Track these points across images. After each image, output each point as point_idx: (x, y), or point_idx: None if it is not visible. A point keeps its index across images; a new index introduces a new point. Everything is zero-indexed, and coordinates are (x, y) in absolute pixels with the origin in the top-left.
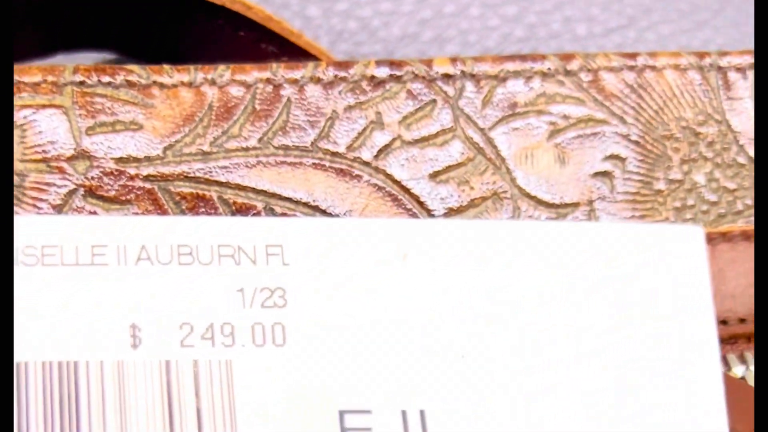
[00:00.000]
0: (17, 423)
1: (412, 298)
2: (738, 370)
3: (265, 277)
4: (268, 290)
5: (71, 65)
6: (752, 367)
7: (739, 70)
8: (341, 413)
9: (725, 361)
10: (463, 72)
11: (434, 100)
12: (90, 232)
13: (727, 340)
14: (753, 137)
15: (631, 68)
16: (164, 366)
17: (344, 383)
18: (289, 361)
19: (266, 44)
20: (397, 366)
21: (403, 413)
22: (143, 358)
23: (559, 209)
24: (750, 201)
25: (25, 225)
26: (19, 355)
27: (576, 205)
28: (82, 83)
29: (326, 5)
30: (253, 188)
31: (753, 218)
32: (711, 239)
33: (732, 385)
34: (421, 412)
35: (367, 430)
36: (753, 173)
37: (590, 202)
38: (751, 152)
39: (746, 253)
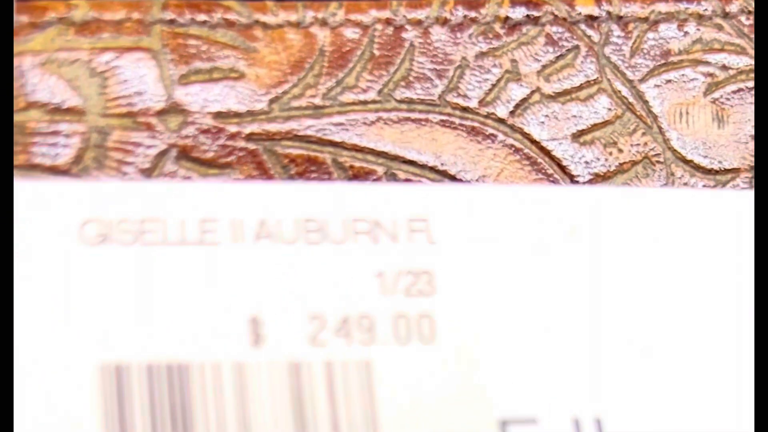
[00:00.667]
0: None
1: (584, 282)
2: None
3: (409, 258)
4: (412, 275)
5: (160, 0)
6: None
7: None
8: (503, 423)
9: None
10: (609, 13)
11: (577, 47)
12: (199, 203)
13: None
14: None
15: None
16: (293, 368)
17: (505, 387)
18: (440, 362)
19: None
20: (568, 365)
21: (576, 422)
22: (267, 358)
23: (718, 176)
24: None
25: (120, 193)
26: (118, 356)
27: (737, 171)
28: (172, 22)
29: None
30: (373, 149)
31: None
32: None
33: None
34: (597, 421)
35: None
36: None
37: (752, 168)
38: None
39: None
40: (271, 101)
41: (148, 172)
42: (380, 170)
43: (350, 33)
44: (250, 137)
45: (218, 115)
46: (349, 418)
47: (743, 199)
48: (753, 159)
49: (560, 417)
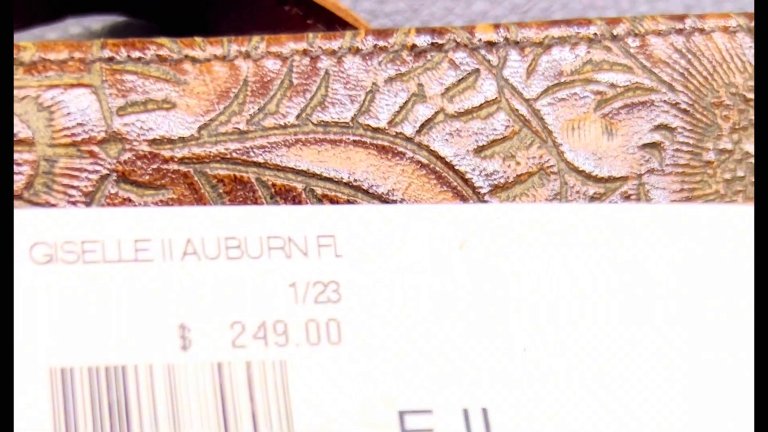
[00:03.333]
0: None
1: (471, 289)
2: None
3: (318, 270)
4: (321, 284)
5: (99, 41)
6: None
7: None
8: (401, 414)
9: None
10: (506, 39)
11: (477, 70)
12: (133, 226)
13: None
14: None
15: (680, 32)
16: (216, 368)
17: (403, 382)
18: (346, 360)
19: (290, 6)
20: (458, 362)
21: (465, 412)
22: (194, 360)
23: (608, 183)
24: None
25: (63, 218)
26: (63, 360)
27: (625, 179)
28: (110, 59)
29: None
30: (293, 168)
31: None
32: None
33: None
34: (484, 410)
35: (428, 431)
36: None
37: (639, 176)
38: None
39: None
40: (200, 128)
41: (91, 195)
42: (300, 187)
43: (271, 64)
44: (182, 161)
45: (153, 141)
46: (267, 411)
47: (620, 212)
48: (640, 167)
49: (452, 407)
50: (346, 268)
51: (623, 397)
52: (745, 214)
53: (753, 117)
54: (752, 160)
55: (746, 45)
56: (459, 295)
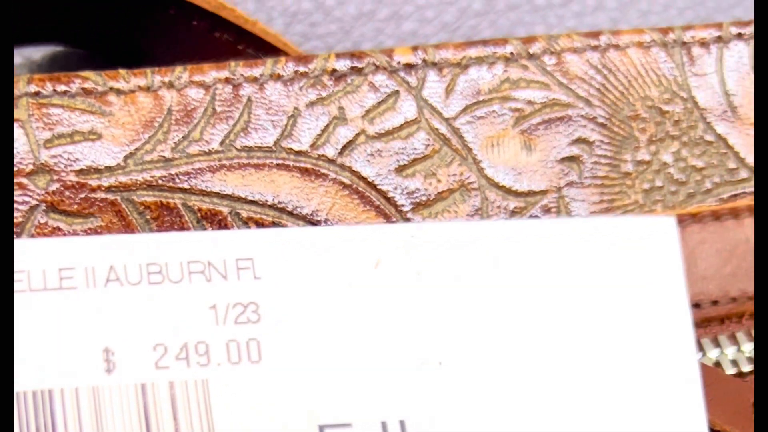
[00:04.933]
0: None
1: (387, 306)
2: (712, 354)
3: (238, 292)
4: (241, 306)
5: (25, 76)
6: (727, 350)
7: (704, 44)
8: (321, 428)
9: (699, 346)
10: (425, 61)
11: (397, 92)
12: (57, 255)
13: (700, 324)
14: (720, 113)
15: (595, 48)
16: (140, 389)
17: (323, 397)
18: (266, 378)
19: (221, 33)
20: (375, 377)
21: (383, 424)
22: (118, 382)
23: (528, 197)
24: (718, 179)
25: None
26: None
27: (544, 192)
28: (37, 94)
29: None
30: (218, 193)
31: (722, 197)
32: (681, 221)
33: (709, 376)
34: (401, 423)
35: None
36: (720, 150)
37: (559, 189)
38: (719, 129)
39: (717, 234)
40: (126, 157)
41: (21, 226)
42: (225, 211)
43: (194, 93)
44: (109, 189)
45: (80, 171)
46: (190, 429)
47: (553, 226)
48: (559, 181)
49: (370, 420)
50: (264, 289)
51: (539, 411)
52: (666, 224)
53: (669, 129)
54: (670, 169)
55: (661, 59)
56: (376, 311)
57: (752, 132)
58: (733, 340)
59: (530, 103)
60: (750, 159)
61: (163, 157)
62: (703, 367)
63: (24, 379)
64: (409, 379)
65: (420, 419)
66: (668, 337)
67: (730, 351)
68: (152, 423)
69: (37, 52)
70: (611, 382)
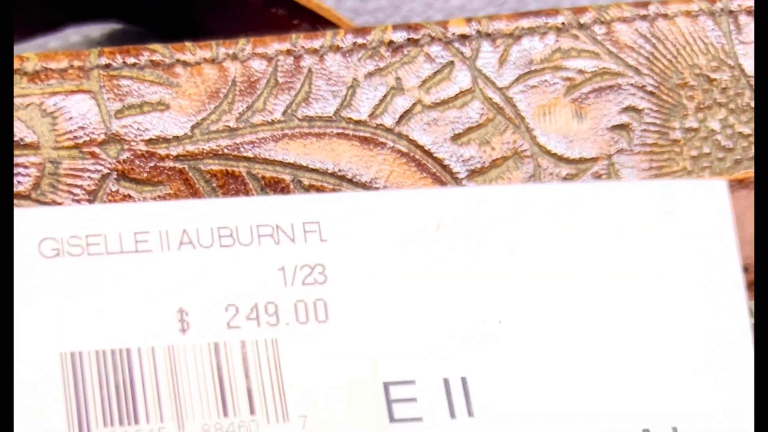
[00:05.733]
0: (77, 412)
1: (448, 267)
2: None
3: (305, 254)
4: (308, 267)
5: (96, 49)
6: None
7: (750, 12)
8: (386, 385)
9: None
10: (478, 32)
11: (452, 62)
12: (133, 220)
13: (747, 287)
14: None
15: (644, 17)
16: (213, 348)
17: (387, 355)
18: (333, 337)
19: (276, 8)
20: (438, 336)
21: (446, 381)
22: (192, 341)
23: (579, 164)
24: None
25: (68, 215)
26: (73, 345)
27: (595, 159)
28: (107, 66)
29: None
30: (281, 161)
31: None
32: (728, 186)
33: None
34: (463, 380)
35: (412, 400)
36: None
37: (609, 156)
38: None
39: None
40: (193, 127)
41: (94, 193)
42: (288, 179)
43: (257, 64)
44: (177, 158)
45: (150, 141)
46: (260, 387)
47: (606, 188)
48: (609, 148)
49: (433, 378)
50: (330, 251)
51: (598, 368)
52: (718, 187)
53: (717, 96)
54: (717, 136)
55: (708, 28)
56: (437, 272)
57: None
58: None
59: (581, 72)
60: None
61: (228, 126)
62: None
63: (104, 339)
64: (470, 338)
65: (481, 376)
66: (721, 300)
67: None
68: (225, 380)
69: (95, 30)
70: (663, 344)
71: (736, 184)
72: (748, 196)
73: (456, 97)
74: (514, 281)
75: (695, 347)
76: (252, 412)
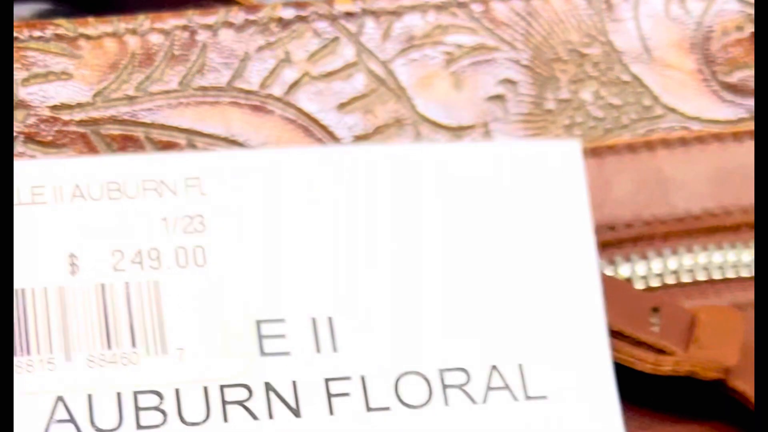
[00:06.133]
0: None
1: (320, 219)
2: (624, 270)
3: (186, 206)
4: (188, 218)
5: None
6: (637, 267)
7: None
8: (258, 322)
9: (612, 263)
10: (363, 9)
11: (337, 38)
12: (30, 175)
13: (615, 244)
14: (635, 56)
15: None
16: (100, 289)
17: (260, 296)
18: (210, 279)
19: None
20: (308, 279)
21: (314, 320)
22: (81, 283)
23: (457, 132)
24: (635, 115)
25: None
26: None
27: (472, 127)
28: (15, 39)
29: None
30: (176, 127)
31: (638, 132)
32: (599, 152)
33: (610, 284)
34: (329, 319)
35: (281, 336)
36: (636, 89)
37: (485, 124)
38: (634, 70)
39: (631, 164)
40: (95, 95)
41: None
42: (183, 142)
43: (155, 38)
44: (79, 123)
45: (54, 107)
46: (143, 325)
47: (469, 149)
48: (486, 117)
49: (301, 316)
50: (209, 203)
51: (455, 310)
52: (571, 147)
53: (588, 70)
54: (589, 107)
55: (581, 7)
56: (309, 223)
57: (666, 72)
58: (644, 258)
59: (459, 47)
60: (665, 97)
61: (128, 95)
62: (604, 277)
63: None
64: (339, 282)
65: (346, 316)
66: (573, 246)
67: (641, 268)
68: (110, 317)
69: (25, 9)
70: (517, 289)
71: (606, 151)
72: (618, 162)
73: (341, 69)
74: (380, 231)
75: (546, 296)
76: (133, 344)
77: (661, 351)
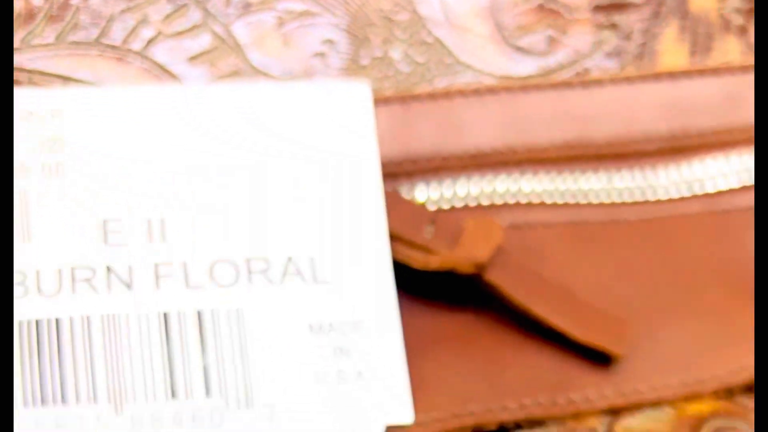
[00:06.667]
0: None
1: (161, 144)
2: (421, 195)
3: (49, 131)
4: (51, 140)
5: None
6: (431, 192)
7: None
8: (105, 221)
9: (413, 189)
10: None
11: (186, 4)
12: None
13: (417, 174)
14: (437, 22)
15: None
16: None
17: (107, 200)
18: (69, 187)
19: None
20: (146, 188)
21: (149, 221)
22: None
23: (287, 82)
24: (437, 72)
25: None
26: None
27: (299, 78)
28: None
29: None
30: (53, 73)
31: (439, 85)
32: (405, 100)
33: (395, 199)
34: (161, 219)
35: (120, 231)
36: (438, 50)
37: (310, 76)
38: (437, 33)
39: (432, 109)
40: None
41: None
42: (59, 84)
43: (36, 2)
44: None
45: None
46: (19, 221)
47: (265, 88)
48: (311, 69)
49: (139, 217)
50: (69, 128)
51: (265, 217)
52: (361, 87)
53: (397, 33)
54: (398, 65)
55: None
56: (151, 146)
57: (464, 36)
58: (440, 186)
59: (289, 12)
60: (463, 57)
61: (15, 48)
62: (391, 194)
63: None
64: (169, 190)
65: (176, 218)
66: (361, 168)
67: (435, 194)
68: None
69: None
70: (317, 197)
71: (410, 98)
72: (422, 106)
73: (189, 29)
74: (208, 151)
75: (337, 206)
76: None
77: (431, 251)
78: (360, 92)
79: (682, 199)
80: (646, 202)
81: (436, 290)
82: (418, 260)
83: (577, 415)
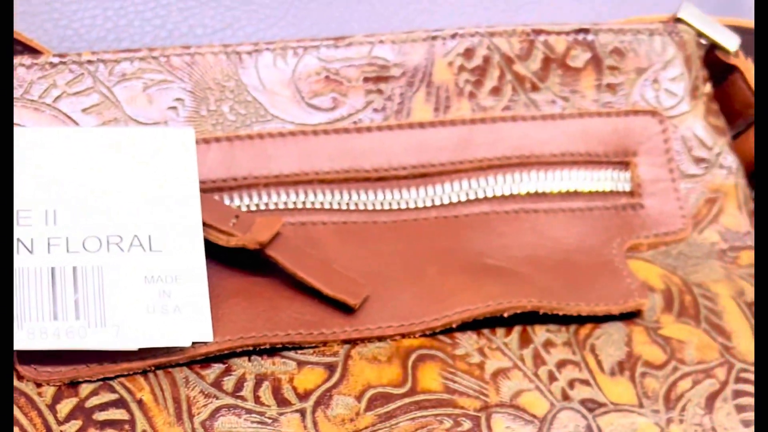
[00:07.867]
0: None
1: (59, 161)
2: (238, 203)
3: None
4: None
5: None
6: (246, 202)
7: (249, 53)
8: (17, 211)
9: (232, 198)
10: (98, 59)
11: (83, 73)
12: None
13: (236, 188)
14: (254, 87)
15: (179, 54)
16: None
17: (20, 198)
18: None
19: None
20: (44, 191)
21: (45, 211)
22: None
23: (150, 125)
24: (254, 119)
25: None
26: None
27: (158, 123)
28: None
29: None
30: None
31: (254, 129)
32: (231, 139)
33: (210, 202)
34: (54, 211)
35: (29, 218)
36: (256, 107)
37: (166, 122)
38: (254, 94)
39: (248, 146)
40: None
41: None
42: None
43: None
44: None
45: None
46: None
47: (111, 133)
48: (166, 118)
49: (41, 209)
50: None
51: (122, 218)
52: (188, 132)
53: (227, 95)
54: (228, 115)
55: (223, 59)
56: (48, 161)
57: (274, 97)
58: (251, 196)
59: (152, 79)
60: (273, 110)
61: None
62: (207, 198)
63: None
64: (65, 191)
65: (68, 208)
66: (183, 188)
67: (251, 203)
68: None
69: None
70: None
71: (234, 138)
72: (241, 143)
73: (84, 90)
74: (86, 168)
75: (163, 210)
76: None
77: (232, 235)
78: (187, 135)
79: (424, 207)
80: (398, 209)
81: (235, 260)
82: (221, 240)
83: (326, 342)
